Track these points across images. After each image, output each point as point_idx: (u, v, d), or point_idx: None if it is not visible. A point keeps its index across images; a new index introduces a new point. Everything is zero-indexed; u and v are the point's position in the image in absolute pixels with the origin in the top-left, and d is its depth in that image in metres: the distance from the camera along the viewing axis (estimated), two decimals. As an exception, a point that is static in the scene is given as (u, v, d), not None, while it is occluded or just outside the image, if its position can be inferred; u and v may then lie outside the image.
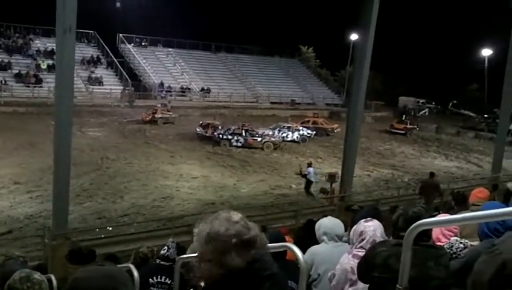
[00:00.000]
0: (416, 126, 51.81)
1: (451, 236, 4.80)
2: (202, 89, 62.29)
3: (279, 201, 23.28)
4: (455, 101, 64.38)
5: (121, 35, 65.59)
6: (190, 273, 5.31)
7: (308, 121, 45.80)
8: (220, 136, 36.81)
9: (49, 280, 5.62)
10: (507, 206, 4.50)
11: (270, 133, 39.32)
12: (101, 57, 61.81)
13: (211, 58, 71.43)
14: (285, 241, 5.16)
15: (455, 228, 5.08)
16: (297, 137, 40.62)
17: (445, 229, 5.13)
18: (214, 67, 69.28)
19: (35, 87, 51.11)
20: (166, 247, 5.90)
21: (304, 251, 4.99)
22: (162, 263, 5.80)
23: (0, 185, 23.06)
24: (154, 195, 23.34)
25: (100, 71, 59.23)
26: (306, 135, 41.33)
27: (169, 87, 60.85)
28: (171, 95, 58.21)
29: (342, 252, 4.81)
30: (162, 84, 60.59)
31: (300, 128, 42.17)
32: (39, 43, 59.22)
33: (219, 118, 44.60)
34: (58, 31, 12.91)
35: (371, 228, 4.52)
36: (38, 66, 54.96)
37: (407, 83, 68.18)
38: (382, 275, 3.61)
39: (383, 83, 68.27)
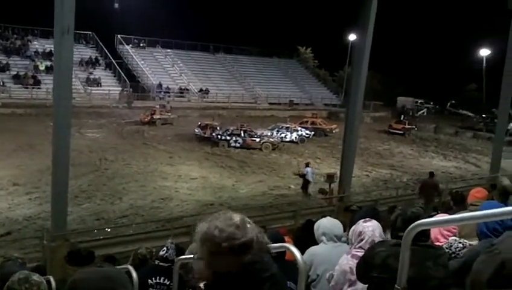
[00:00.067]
0: (414, 126, 51.85)
1: (450, 236, 4.80)
2: (200, 90, 62.30)
3: (278, 201, 23.27)
4: (453, 101, 64.39)
5: (119, 36, 65.56)
6: (189, 274, 5.31)
7: (307, 122, 45.78)
8: (219, 136, 36.80)
9: (48, 282, 5.62)
10: (505, 205, 4.50)
11: (269, 133, 39.32)
12: (99, 58, 61.77)
13: (209, 59, 71.44)
14: (284, 241, 5.15)
15: (454, 228, 5.08)
16: (295, 137, 40.63)
17: (444, 229, 5.13)
18: (212, 68, 69.30)
19: (33, 88, 51.13)
20: (165, 248, 5.90)
21: (302, 252, 4.99)
22: (161, 264, 5.79)
23: (-1, 186, 23.08)
24: (153, 196, 23.33)
25: (98, 72, 59.21)
26: (304, 136, 41.34)
27: (167, 88, 60.83)
28: (169, 96, 58.21)
29: (340, 252, 4.81)
30: (160, 85, 60.57)
31: (299, 128, 42.17)
32: (37, 44, 59.18)
33: (217, 119, 44.61)
34: (56, 32, 12.92)
35: (370, 229, 4.52)
36: (36, 68, 54.93)
37: (405, 83, 68.26)
38: (381, 275, 3.61)
39: (382, 83, 68.33)
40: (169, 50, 68.69)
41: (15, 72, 53.07)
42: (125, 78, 59.02)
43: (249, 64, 73.52)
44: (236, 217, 2.27)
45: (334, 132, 44.05)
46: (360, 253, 4.24)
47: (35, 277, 3.49)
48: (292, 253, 2.88)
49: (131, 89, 57.29)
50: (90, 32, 62.97)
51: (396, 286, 2.92)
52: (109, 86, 57.32)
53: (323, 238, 5.31)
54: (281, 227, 12.72)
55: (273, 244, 2.69)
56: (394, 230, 3.94)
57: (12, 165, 26.51)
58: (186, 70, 66.17)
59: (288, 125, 42.18)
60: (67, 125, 13.81)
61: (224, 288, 2.25)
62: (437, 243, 4.49)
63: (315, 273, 5.10)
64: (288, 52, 77.97)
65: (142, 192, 23.87)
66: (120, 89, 56.98)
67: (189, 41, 69.42)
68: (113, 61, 61.62)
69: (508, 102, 23.44)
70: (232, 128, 37.76)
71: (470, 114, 59.45)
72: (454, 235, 4.80)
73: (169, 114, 46.38)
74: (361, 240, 4.51)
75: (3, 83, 50.93)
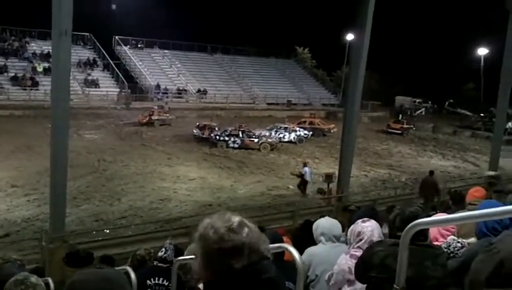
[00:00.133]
0: (412, 126, 51.88)
1: (449, 236, 4.80)
2: (198, 91, 62.29)
3: (277, 202, 23.27)
4: (451, 101, 64.40)
5: (117, 37, 65.55)
6: (187, 275, 5.31)
7: (305, 122, 45.81)
8: (217, 137, 36.78)
9: (47, 284, 5.62)
10: (504, 205, 4.51)
11: (267, 134, 39.33)
12: (97, 59, 61.73)
13: (207, 59, 71.45)
14: (282, 242, 5.15)
15: (452, 228, 5.08)
16: (294, 138, 40.64)
17: (443, 229, 5.14)
18: (210, 69, 69.30)
19: (31, 90, 51.08)
20: (163, 249, 5.89)
21: (301, 252, 4.99)
22: (160, 264, 5.79)
23: (-2, 188, 23.06)
24: (152, 197, 23.31)
25: (96, 73, 59.17)
26: (303, 136, 41.35)
27: (165, 89, 60.83)
28: (167, 97, 58.19)
29: (339, 252, 4.81)
30: (158, 86, 60.57)
31: (297, 128, 42.18)
32: (35, 46, 59.16)
33: (216, 120, 44.58)
34: (54, 34, 12.92)
35: (369, 229, 4.52)
36: (34, 69, 54.90)
37: (403, 82, 68.30)
38: (379, 275, 3.61)
39: (380, 82, 68.33)
40: (167, 51, 68.71)
41: (13, 74, 53.03)
42: (123, 79, 58.97)
43: (247, 64, 73.55)
44: (235, 220, 2.25)
45: (332, 131, 44.07)
46: (359, 253, 4.25)
47: (33, 278, 3.48)
48: (290, 253, 2.87)
49: (129, 90, 57.27)
50: (88, 34, 62.94)
51: (394, 285, 2.92)
52: (107, 87, 57.28)
53: (322, 238, 5.31)
54: (279, 227, 12.72)
55: (271, 245, 2.69)
56: (392, 230, 3.94)
57: (10, 166, 26.50)
58: (184, 71, 66.18)
59: (286, 126, 42.17)
60: (65, 126, 13.81)
61: (221, 289, 2.25)
62: (436, 243, 4.50)
63: (314, 274, 5.10)
64: (285, 53, 78.04)
65: (140, 193, 23.86)
66: (118, 90, 56.92)
67: (186, 42, 69.49)
68: (111, 62, 61.61)
69: (506, 101, 23.48)
70: (230, 128, 37.75)
71: (468, 113, 59.48)
72: (453, 235, 4.80)
73: (168, 115, 46.40)
74: (360, 240, 4.51)
75: (1, 84, 50.90)
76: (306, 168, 25.22)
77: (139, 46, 67.57)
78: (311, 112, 54.69)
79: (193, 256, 2.44)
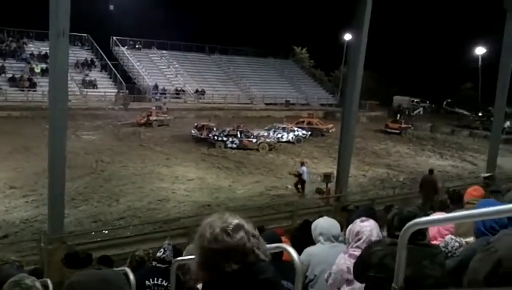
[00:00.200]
0: (410, 125, 51.88)
1: (448, 235, 4.81)
2: (196, 91, 62.26)
3: (275, 202, 23.26)
4: (449, 100, 64.47)
5: (114, 38, 65.46)
6: (186, 275, 5.31)
7: (303, 122, 45.82)
8: (215, 137, 36.77)
9: (45, 285, 5.61)
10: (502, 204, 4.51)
11: (265, 134, 39.30)
12: (95, 60, 61.67)
13: (205, 60, 71.42)
14: (281, 242, 5.15)
15: (452, 227, 5.09)
16: (292, 138, 40.63)
17: (441, 228, 5.15)
18: (208, 69, 69.27)
19: (29, 91, 50.96)
20: (162, 249, 5.89)
21: (300, 252, 5.00)
22: (158, 265, 5.79)
23: (-4, 189, 23.04)
24: (150, 198, 23.29)
25: (94, 74, 59.11)
26: (301, 136, 41.35)
27: (163, 89, 60.79)
28: (165, 97, 58.16)
29: (338, 252, 4.81)
30: (156, 86, 60.52)
31: (295, 128, 42.18)
32: (33, 47, 59.06)
33: (214, 120, 44.63)
34: (52, 35, 12.91)
35: (368, 228, 4.53)
36: (32, 70, 54.84)
37: (401, 82, 68.35)
38: (378, 275, 3.62)
39: (377, 82, 68.37)
40: (164, 51, 68.65)
41: (11, 75, 52.93)
42: (121, 79, 58.93)
43: (245, 64, 73.54)
44: (232, 222, 2.26)
45: (330, 131, 44.08)
46: (357, 252, 4.25)
47: (28, 280, 3.47)
48: (289, 253, 2.87)
49: (127, 91, 57.21)
50: (85, 34, 62.84)
51: (393, 285, 2.93)
52: (105, 87, 57.24)
53: (321, 238, 5.31)
54: (278, 227, 12.73)
55: (270, 245, 2.69)
56: (391, 229, 3.95)
57: (8, 168, 26.47)
58: (182, 72, 66.14)
59: (284, 126, 42.17)
60: (63, 127, 13.81)
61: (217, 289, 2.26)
62: (434, 242, 4.50)
63: (312, 274, 5.10)
64: (283, 53, 78.04)
65: (139, 194, 23.84)
66: (116, 90, 56.90)
67: (184, 43, 69.43)
68: (109, 63, 61.55)
69: (503, 100, 23.50)
70: (228, 129, 37.74)
71: (466, 113, 59.53)
72: (452, 234, 4.81)
73: (166, 115, 46.40)
74: (359, 239, 4.51)
75: (-1, 86, 50.86)
76: (304, 168, 25.22)
77: (137, 46, 67.49)
78: (309, 112, 54.71)
79: (192, 256, 2.44)
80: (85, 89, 55.10)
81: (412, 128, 51.64)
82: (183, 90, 62.13)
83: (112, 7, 66.38)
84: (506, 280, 2.70)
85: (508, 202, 4.61)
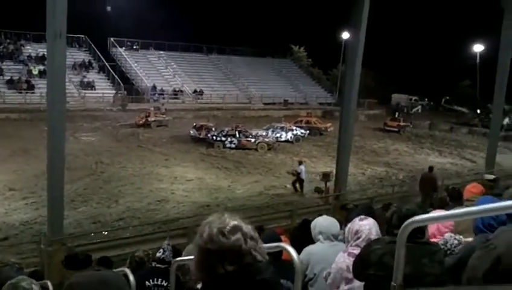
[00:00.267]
0: (409, 123, 51.84)
1: (447, 233, 4.82)
2: (195, 91, 62.22)
3: (274, 201, 23.27)
4: (448, 98, 64.45)
5: (112, 39, 65.35)
6: (186, 275, 5.32)
7: (302, 121, 45.80)
8: (214, 137, 36.75)
9: (45, 287, 5.62)
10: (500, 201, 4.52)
11: (264, 133, 39.27)
12: (92, 61, 61.56)
13: (203, 60, 71.36)
14: (280, 241, 5.17)
15: (451, 225, 5.10)
16: (291, 137, 40.62)
17: (441, 226, 5.15)
18: (206, 69, 69.23)
19: (27, 93, 50.88)
20: (161, 250, 5.91)
21: (300, 251, 5.00)
22: (158, 265, 5.80)
23: (-5, 192, 23.03)
24: (149, 198, 23.30)
25: (92, 75, 59.02)
26: (300, 135, 41.32)
27: (161, 90, 60.72)
28: (163, 98, 58.10)
29: (337, 251, 4.81)
30: (154, 87, 60.46)
31: (294, 128, 42.15)
32: (30, 49, 58.98)
33: (212, 120, 44.54)
34: (49, 36, 12.93)
35: (367, 227, 4.53)
36: (29, 72, 54.71)
37: (399, 80, 68.27)
38: (377, 273, 3.62)
39: (376, 80, 68.35)
40: (162, 52, 68.59)
41: (8, 77, 52.80)
42: (119, 80, 58.84)
43: (243, 64, 73.44)
44: (230, 224, 2.26)
45: (329, 130, 44.06)
46: (357, 251, 4.25)
47: (24, 283, 3.46)
48: (288, 252, 2.88)
49: (125, 92, 57.12)
50: (82, 36, 62.74)
51: (392, 283, 2.93)
52: (103, 89, 57.16)
53: (320, 237, 5.31)
54: (277, 227, 12.75)
55: (269, 244, 2.69)
56: (390, 227, 3.95)
57: (8, 170, 26.46)
58: (180, 72, 66.07)
59: (283, 125, 42.14)
60: (61, 129, 13.81)
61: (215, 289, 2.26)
62: (434, 240, 4.51)
63: (312, 273, 5.11)
64: (281, 52, 77.95)
65: (138, 194, 23.85)
66: (114, 91, 56.77)
67: (182, 43, 69.32)
68: (107, 64, 61.43)
69: (502, 97, 23.56)
70: (227, 129, 37.71)
71: (464, 110, 59.51)
72: (451, 232, 4.81)
73: (164, 116, 46.36)
74: (358, 238, 4.52)
75: (-4, 88, 50.82)
76: (302, 167, 25.24)
77: (135, 47, 67.41)
78: (307, 111, 54.71)
79: (191, 257, 2.45)
80: (83, 91, 54.99)
81: (411, 126, 51.61)
82: (181, 91, 62.06)
83: (109, 8, 66.25)
84: (505, 276, 2.70)
85: (507, 198, 4.62)
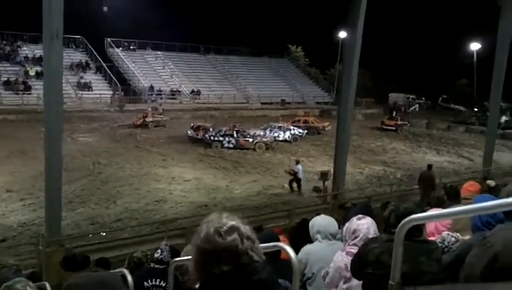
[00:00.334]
0: (407, 122, 51.91)
1: (445, 231, 4.82)
2: (192, 91, 62.20)
3: (273, 201, 23.25)
4: (445, 96, 64.51)
5: (109, 39, 65.28)
6: (185, 276, 5.32)
7: (299, 120, 45.79)
8: (212, 138, 36.71)
9: (43, 289, 5.61)
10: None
11: (262, 133, 39.24)
12: (89, 62, 61.50)
13: (200, 60, 71.32)
14: (279, 240, 5.16)
15: (449, 223, 5.10)
16: (288, 136, 40.61)
17: (439, 225, 5.16)
18: (204, 69, 69.19)
19: (24, 94, 50.85)
20: (159, 250, 5.90)
21: (298, 250, 5.01)
22: (156, 266, 5.80)
23: (-7, 193, 22.99)
24: (147, 199, 23.27)
25: (89, 76, 58.95)
26: (297, 134, 41.31)
27: (159, 90, 60.71)
28: (161, 98, 58.08)
29: (335, 250, 4.82)
30: (151, 87, 60.44)
31: (292, 127, 42.14)
32: (27, 50, 58.88)
33: (210, 120, 44.52)
34: (46, 37, 12.89)
35: (365, 226, 4.54)
36: (26, 73, 54.66)
37: (396, 79, 68.42)
38: (375, 272, 3.63)
39: (373, 80, 68.36)
40: (159, 52, 68.58)
41: (5, 79, 52.78)
42: (116, 81, 58.76)
43: (240, 64, 73.48)
44: (227, 224, 2.27)
45: (326, 129, 44.07)
46: (355, 250, 4.26)
47: (19, 285, 3.45)
48: (286, 252, 2.88)
49: (122, 92, 57.14)
50: (79, 36, 62.67)
51: (390, 281, 2.93)
52: (100, 89, 57.10)
53: (318, 236, 5.32)
54: (276, 226, 12.74)
55: (267, 244, 2.69)
56: (388, 226, 3.95)
57: (5, 171, 26.40)
58: (177, 72, 66.07)
59: (280, 125, 42.12)
60: (59, 130, 13.80)
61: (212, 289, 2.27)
62: (432, 239, 4.51)
63: (310, 272, 5.11)
64: (279, 51, 77.98)
65: (136, 195, 23.81)
66: (111, 92, 56.73)
67: (179, 43, 69.28)
68: (104, 64, 61.38)
69: (499, 95, 23.59)
70: (224, 129, 37.68)
71: (461, 108, 59.59)
72: (449, 231, 4.82)
73: (162, 116, 46.32)
74: (356, 237, 4.52)
75: (-7, 89, 50.76)
76: (299, 166, 25.23)
77: (132, 47, 67.35)
78: (305, 110, 54.64)
79: (189, 257, 2.45)
80: (80, 91, 54.93)
81: (408, 125, 51.68)
82: (179, 91, 62.04)
83: (105, 9, 66.34)
84: (502, 274, 2.70)
85: (504, 197, 4.63)
